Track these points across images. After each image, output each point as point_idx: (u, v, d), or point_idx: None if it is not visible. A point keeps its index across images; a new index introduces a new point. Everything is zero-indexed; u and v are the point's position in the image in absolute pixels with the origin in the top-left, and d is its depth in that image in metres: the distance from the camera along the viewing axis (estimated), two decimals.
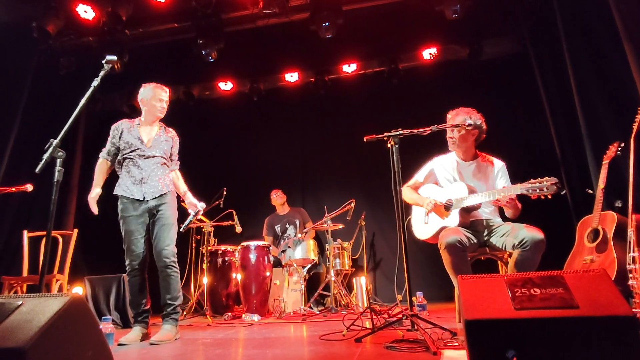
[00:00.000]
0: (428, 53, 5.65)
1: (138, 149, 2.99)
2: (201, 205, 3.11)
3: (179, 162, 3.25)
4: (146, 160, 2.98)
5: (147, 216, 2.95)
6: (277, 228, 5.41)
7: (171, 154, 3.16)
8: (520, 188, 2.37)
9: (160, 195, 2.95)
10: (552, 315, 1.31)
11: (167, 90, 3.21)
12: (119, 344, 2.66)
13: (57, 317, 1.22)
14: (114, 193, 3.00)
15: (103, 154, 3.11)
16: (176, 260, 2.95)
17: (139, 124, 3.12)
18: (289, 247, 4.64)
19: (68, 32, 5.28)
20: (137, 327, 2.89)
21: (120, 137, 3.04)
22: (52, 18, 4.86)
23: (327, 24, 4.98)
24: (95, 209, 2.93)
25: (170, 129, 3.26)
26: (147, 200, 2.92)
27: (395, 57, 5.80)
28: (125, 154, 2.99)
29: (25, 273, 3.99)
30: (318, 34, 5.08)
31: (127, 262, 2.92)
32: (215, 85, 6.28)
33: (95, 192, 2.95)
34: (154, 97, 3.10)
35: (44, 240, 3.90)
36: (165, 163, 3.08)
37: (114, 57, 2.28)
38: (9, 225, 4.80)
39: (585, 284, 1.40)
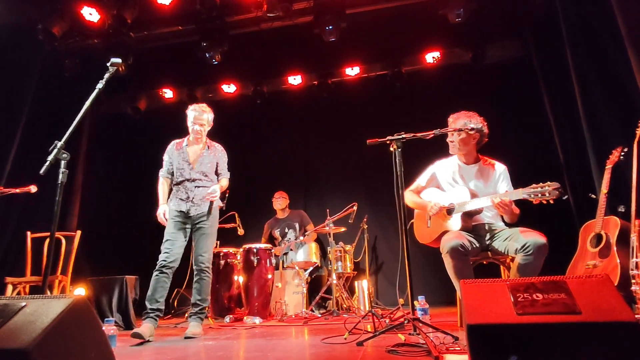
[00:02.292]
0: (431, 57, 5.66)
1: (183, 169, 3.31)
2: (213, 189, 3.25)
3: (228, 173, 3.50)
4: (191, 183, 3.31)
5: (189, 225, 3.28)
6: (277, 232, 5.40)
7: (216, 170, 3.42)
8: (522, 193, 2.36)
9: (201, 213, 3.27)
10: (555, 321, 1.31)
11: (205, 109, 3.36)
12: (133, 335, 2.77)
13: (61, 318, 1.22)
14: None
15: (163, 173, 3.42)
16: (210, 266, 3.29)
17: (187, 145, 3.39)
18: (291, 249, 4.64)
19: (73, 35, 5.32)
20: (149, 323, 2.97)
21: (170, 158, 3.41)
22: (58, 20, 4.90)
23: (330, 27, 5.00)
24: (164, 222, 3.26)
25: (215, 144, 3.49)
26: (191, 216, 3.25)
27: (398, 61, 5.81)
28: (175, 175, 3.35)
29: (28, 274, 4.00)
30: (321, 37, 5.10)
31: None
32: (218, 88, 6.31)
33: (162, 209, 3.28)
34: (190, 119, 3.34)
35: (47, 241, 3.94)
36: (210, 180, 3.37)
37: (119, 60, 2.30)
38: (13, 226, 4.82)
39: (587, 290, 1.39)
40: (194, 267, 3.25)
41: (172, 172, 3.37)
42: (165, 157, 3.43)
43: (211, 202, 3.30)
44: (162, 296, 3.07)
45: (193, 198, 3.26)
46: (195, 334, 3.01)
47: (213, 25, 5.22)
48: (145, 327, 2.89)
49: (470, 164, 2.87)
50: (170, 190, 3.39)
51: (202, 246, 3.24)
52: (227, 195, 5.01)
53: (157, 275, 3.08)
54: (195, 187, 3.30)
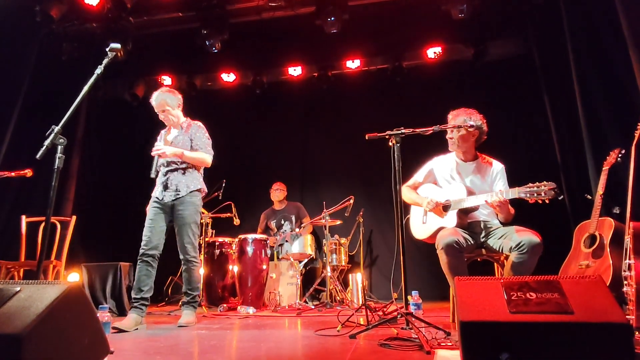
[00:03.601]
0: (432, 52, 5.63)
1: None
2: (157, 145, 3.12)
3: (211, 150, 3.27)
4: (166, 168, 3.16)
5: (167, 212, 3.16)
6: (273, 223, 5.41)
7: (192, 147, 3.20)
8: (518, 192, 2.37)
9: (177, 198, 3.12)
10: (547, 320, 1.32)
11: (160, 93, 3.21)
12: (113, 328, 2.70)
13: (55, 304, 1.22)
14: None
15: None
16: (197, 255, 3.17)
17: (165, 132, 3.31)
18: (287, 241, 4.65)
19: (71, 18, 5.25)
20: (134, 313, 2.93)
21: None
22: (56, 2, 4.83)
23: (332, 18, 4.96)
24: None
25: (193, 123, 3.32)
26: (166, 202, 3.12)
27: (400, 55, 5.77)
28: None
29: (22, 258, 3.99)
30: (323, 28, 5.06)
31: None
32: (218, 77, 6.26)
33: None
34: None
35: (42, 225, 3.92)
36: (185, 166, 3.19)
37: (118, 45, 2.27)
38: (8, 209, 4.80)
39: (581, 290, 1.41)
40: (181, 258, 3.16)
41: None
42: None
43: (191, 189, 3.14)
44: (146, 284, 3.02)
45: (167, 183, 3.14)
46: (189, 323, 3.01)
47: (213, 13, 5.16)
48: (127, 319, 2.86)
49: (468, 161, 2.87)
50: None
51: (184, 236, 3.12)
52: (223, 185, 5.02)
53: (139, 264, 3.04)
54: (169, 171, 3.16)
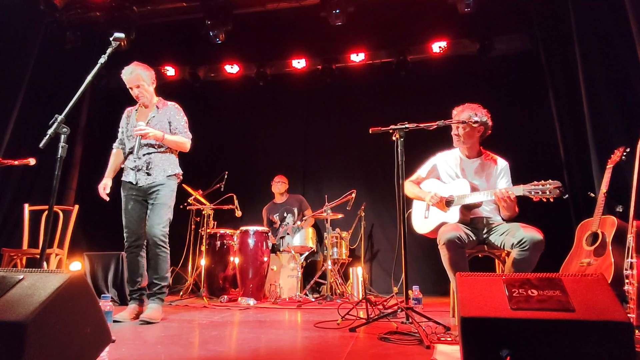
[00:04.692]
0: (438, 46, 5.60)
1: (131, 136, 2.97)
2: (140, 125, 2.87)
3: (189, 134, 3.08)
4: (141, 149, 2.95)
5: (142, 197, 2.99)
6: (276, 216, 5.41)
7: (170, 130, 3.01)
8: (523, 189, 2.36)
9: (153, 183, 2.94)
10: (548, 317, 1.32)
11: (135, 67, 2.97)
12: (114, 321, 2.69)
13: (58, 293, 1.23)
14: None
15: (115, 144, 3.16)
16: (167, 240, 2.92)
17: (136, 110, 3.07)
18: (288, 233, 4.66)
19: (75, 6, 5.23)
20: (133, 304, 2.92)
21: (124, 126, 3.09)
22: None
23: (337, 11, 4.93)
24: (104, 197, 2.98)
25: (169, 103, 3.10)
26: (141, 186, 2.94)
27: (404, 49, 5.73)
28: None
29: (25, 246, 4.01)
30: (328, 21, 5.02)
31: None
32: (221, 68, 6.24)
33: (104, 182, 3.01)
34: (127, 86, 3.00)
35: (44, 214, 3.94)
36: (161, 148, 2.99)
37: (122, 35, 2.26)
38: (10, 198, 4.82)
39: (582, 288, 1.40)
40: (148, 241, 2.91)
41: (125, 141, 3.07)
42: (120, 127, 3.13)
43: (169, 173, 2.97)
44: (139, 274, 2.93)
45: (143, 167, 2.93)
46: (152, 318, 2.71)
47: (217, 3, 5.13)
48: (125, 312, 2.82)
49: (472, 158, 2.86)
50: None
51: (154, 217, 2.88)
52: (225, 177, 5.02)
53: (127, 256, 2.96)
54: (144, 154, 2.95)
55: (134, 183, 2.94)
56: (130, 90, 2.98)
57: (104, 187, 2.98)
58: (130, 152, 2.98)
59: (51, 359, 1.19)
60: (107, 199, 2.97)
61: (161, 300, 2.90)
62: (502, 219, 2.72)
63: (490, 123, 2.77)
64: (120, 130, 3.13)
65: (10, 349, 1.12)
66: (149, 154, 2.96)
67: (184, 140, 3.03)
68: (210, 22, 5.13)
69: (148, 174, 2.93)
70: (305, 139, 6.23)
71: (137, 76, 2.93)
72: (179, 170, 3.07)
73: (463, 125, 2.71)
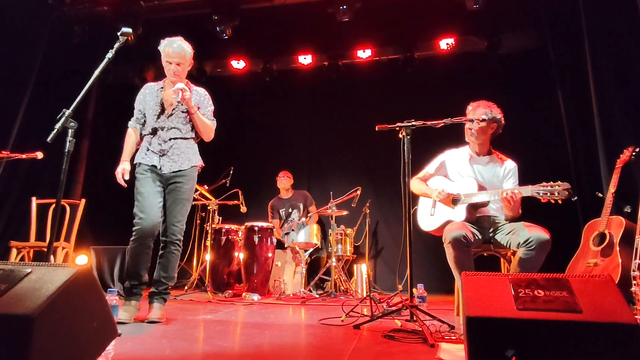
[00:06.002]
0: (445, 43, 5.55)
1: (156, 116, 2.73)
2: (178, 85, 2.61)
3: (215, 121, 2.90)
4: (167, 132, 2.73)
5: (162, 184, 2.76)
6: (282, 212, 5.42)
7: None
8: (532, 190, 2.34)
9: (179, 171, 2.73)
10: (554, 318, 1.31)
11: (182, 41, 2.72)
12: (119, 322, 2.47)
13: (65, 287, 1.23)
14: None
15: (132, 122, 2.86)
16: (182, 239, 2.77)
17: (162, 88, 2.80)
18: (293, 230, 4.67)
19: (83, 0, 5.24)
20: (133, 301, 2.65)
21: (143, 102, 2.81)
22: None
23: (344, 6, 4.91)
24: (122, 183, 2.73)
25: (198, 87, 2.90)
26: (164, 174, 2.71)
27: (412, 45, 5.70)
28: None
29: (32, 239, 4.04)
30: (335, 16, 5.00)
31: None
32: (228, 63, 6.24)
33: (122, 167, 2.74)
34: (163, 58, 2.72)
35: (51, 207, 3.97)
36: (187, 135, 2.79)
37: (129, 30, 2.25)
38: (18, 191, 4.86)
39: (590, 289, 1.39)
40: (162, 239, 2.71)
41: (144, 121, 2.80)
42: (136, 104, 2.84)
43: (193, 163, 2.76)
44: (145, 268, 2.67)
45: (167, 151, 2.71)
46: (160, 318, 2.56)
47: None
48: (126, 313, 2.56)
49: (481, 156, 2.84)
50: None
51: (176, 214, 2.69)
52: (231, 172, 5.03)
53: (135, 247, 2.61)
54: (170, 138, 2.72)
55: (158, 168, 2.70)
56: (167, 64, 2.70)
57: (123, 172, 2.71)
58: (152, 133, 2.75)
59: (58, 352, 1.20)
60: (125, 185, 2.72)
61: (165, 300, 2.73)
62: (504, 218, 2.71)
63: (503, 122, 2.75)
64: (138, 107, 2.84)
65: (18, 342, 1.13)
66: (175, 138, 2.74)
67: (213, 125, 2.84)
68: (217, 17, 5.13)
69: (173, 162, 2.72)
70: (311, 135, 6.23)
71: (183, 52, 2.69)
72: (201, 162, 2.89)
73: (478, 121, 2.69)
